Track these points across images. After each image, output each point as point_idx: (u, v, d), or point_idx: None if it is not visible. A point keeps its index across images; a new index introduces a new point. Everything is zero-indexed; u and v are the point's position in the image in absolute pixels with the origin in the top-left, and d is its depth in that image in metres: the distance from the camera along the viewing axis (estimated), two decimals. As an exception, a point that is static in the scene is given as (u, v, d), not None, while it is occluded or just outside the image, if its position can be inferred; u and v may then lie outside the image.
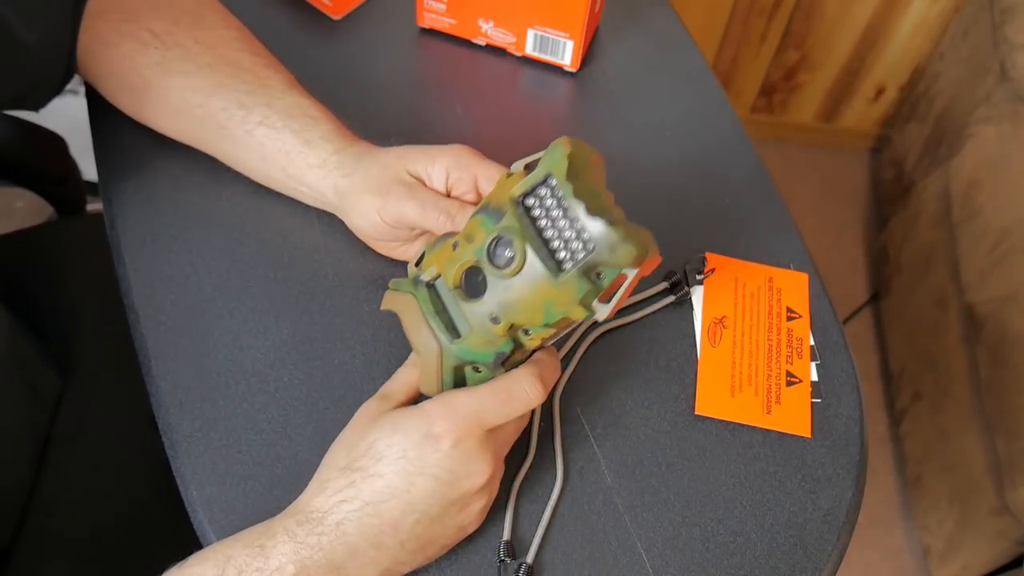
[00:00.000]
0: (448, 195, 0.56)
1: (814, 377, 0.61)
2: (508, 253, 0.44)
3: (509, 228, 0.44)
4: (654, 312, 0.62)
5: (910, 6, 1.57)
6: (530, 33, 0.74)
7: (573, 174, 0.44)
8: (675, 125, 0.73)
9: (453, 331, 0.47)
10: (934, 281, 1.41)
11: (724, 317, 0.63)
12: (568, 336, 0.60)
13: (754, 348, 0.61)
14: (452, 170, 0.55)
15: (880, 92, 1.76)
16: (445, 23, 0.76)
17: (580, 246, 0.43)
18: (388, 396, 0.49)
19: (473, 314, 0.46)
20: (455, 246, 0.47)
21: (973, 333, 1.26)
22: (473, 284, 0.46)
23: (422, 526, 0.46)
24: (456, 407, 0.45)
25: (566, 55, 0.74)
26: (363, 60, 0.75)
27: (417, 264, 0.51)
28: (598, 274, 0.44)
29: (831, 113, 1.82)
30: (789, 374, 0.60)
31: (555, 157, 0.44)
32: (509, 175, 0.47)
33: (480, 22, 0.75)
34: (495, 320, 0.45)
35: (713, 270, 0.64)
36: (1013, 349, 1.17)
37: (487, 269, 0.45)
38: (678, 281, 0.63)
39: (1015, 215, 1.23)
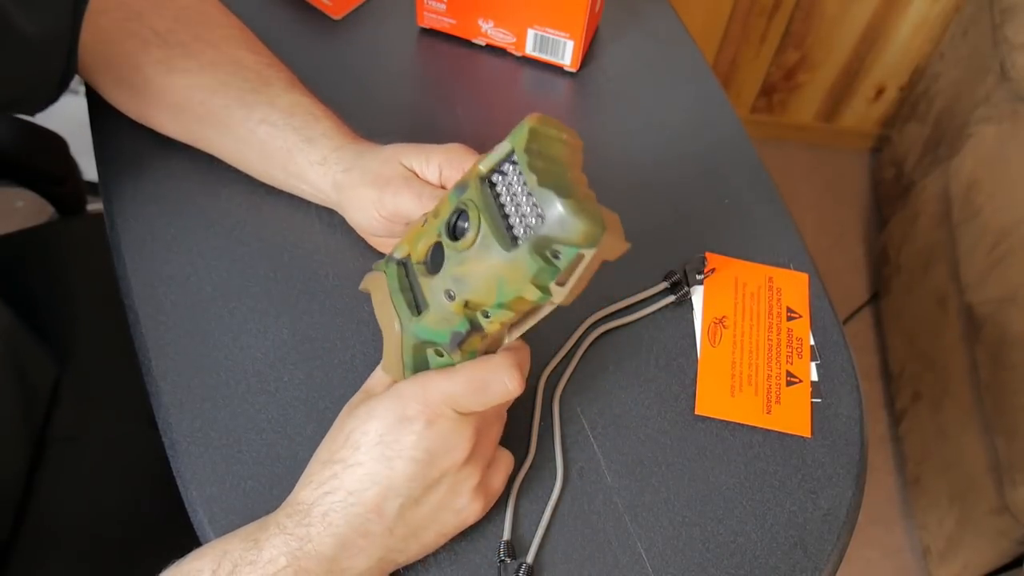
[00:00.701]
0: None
1: (814, 377, 0.61)
2: (466, 226, 0.43)
3: (467, 201, 0.43)
4: (654, 312, 0.62)
5: (910, 6, 1.57)
6: (530, 33, 0.74)
7: (534, 148, 0.42)
8: (675, 125, 0.73)
9: (415, 309, 0.47)
10: (934, 281, 1.41)
11: (724, 317, 0.63)
12: (568, 336, 0.60)
13: (754, 348, 0.61)
14: (444, 167, 0.55)
15: (880, 92, 1.76)
16: (445, 23, 0.76)
17: (535, 221, 0.41)
18: (369, 390, 0.49)
19: (432, 291, 0.45)
20: (426, 222, 0.47)
21: (973, 333, 1.26)
22: (438, 260, 0.45)
23: (407, 509, 0.46)
24: (428, 388, 0.46)
25: (566, 55, 0.74)
26: (363, 60, 0.75)
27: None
28: (555, 254, 0.41)
29: (831, 113, 1.82)
30: (789, 374, 0.61)
31: (519, 132, 0.43)
32: (482, 158, 0.47)
33: (480, 22, 0.75)
34: (450, 296, 0.44)
35: (713, 270, 0.64)
36: (1013, 349, 1.17)
37: (444, 242, 0.44)
38: (678, 281, 0.63)
39: (1015, 215, 1.23)
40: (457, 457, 0.46)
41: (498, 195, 0.43)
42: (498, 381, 0.46)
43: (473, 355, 0.47)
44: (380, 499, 0.45)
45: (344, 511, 0.45)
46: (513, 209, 0.42)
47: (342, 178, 0.58)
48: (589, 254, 0.41)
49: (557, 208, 0.40)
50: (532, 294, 0.42)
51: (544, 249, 0.41)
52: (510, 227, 0.42)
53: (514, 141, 0.43)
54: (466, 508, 0.49)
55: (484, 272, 0.43)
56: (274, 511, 0.47)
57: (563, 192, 0.40)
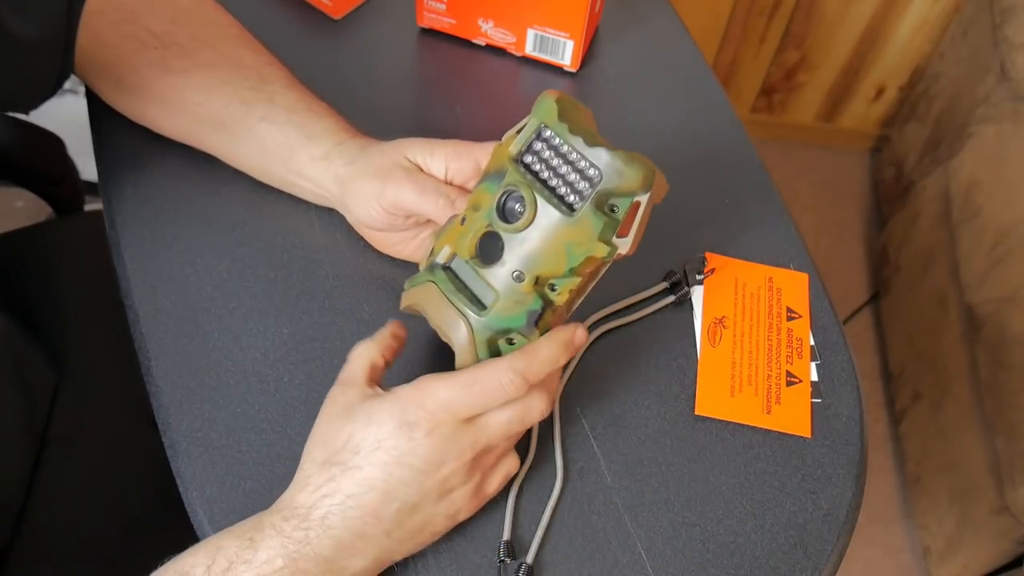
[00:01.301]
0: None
1: (814, 377, 0.61)
2: (519, 207, 0.45)
3: (514, 182, 0.45)
4: (654, 312, 0.62)
5: (910, 6, 1.57)
6: (530, 33, 0.74)
7: (565, 117, 0.45)
8: (675, 125, 0.73)
9: (479, 304, 0.47)
10: (934, 281, 1.41)
11: (724, 317, 0.63)
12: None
13: (754, 348, 0.61)
14: (451, 160, 0.55)
15: (880, 92, 1.76)
16: (445, 23, 0.76)
17: (587, 183, 0.44)
18: (351, 381, 0.49)
19: (496, 278, 0.46)
20: (463, 221, 0.48)
21: (973, 333, 1.26)
22: (490, 250, 0.46)
23: (404, 514, 0.46)
24: (429, 394, 0.45)
25: (566, 55, 0.74)
26: (363, 60, 0.75)
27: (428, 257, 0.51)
28: (612, 207, 0.45)
29: (831, 113, 1.82)
30: (789, 374, 0.60)
31: (544, 107, 0.46)
32: (501, 144, 0.48)
33: (480, 22, 0.75)
34: (519, 278, 0.46)
35: (713, 270, 0.64)
36: (1013, 349, 1.17)
37: (501, 228, 0.45)
38: (678, 281, 0.63)
39: (1015, 215, 1.23)
40: (455, 466, 0.46)
41: (536, 172, 0.46)
42: (495, 380, 0.45)
43: (546, 331, 0.48)
44: (378, 504, 0.45)
45: (342, 514, 0.45)
46: (559, 181, 0.45)
47: (344, 171, 0.58)
48: (644, 199, 0.45)
49: (614, 161, 0.43)
50: (601, 251, 0.45)
51: (603, 205, 0.44)
52: (560, 197, 0.45)
53: (541, 116, 0.46)
54: (460, 511, 0.49)
55: (551, 243, 0.45)
56: (268, 510, 0.47)
57: (611, 148, 0.44)
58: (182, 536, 0.53)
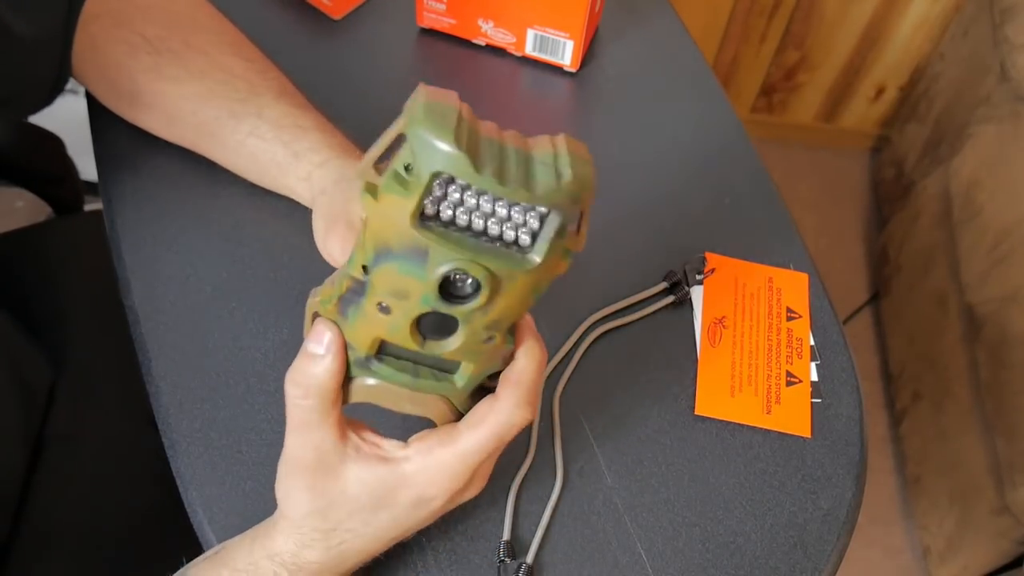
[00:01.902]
0: None
1: (814, 377, 0.61)
2: (469, 285, 0.36)
3: (450, 261, 0.35)
4: (654, 312, 0.62)
5: (910, 6, 1.57)
6: (530, 33, 0.74)
7: (473, 155, 0.33)
8: (675, 125, 0.73)
9: (445, 374, 0.41)
10: (934, 281, 1.41)
11: (724, 317, 0.63)
12: (568, 336, 0.60)
13: (754, 348, 0.61)
14: None
15: (880, 92, 1.76)
16: (445, 23, 0.76)
17: (535, 217, 0.35)
18: (323, 446, 0.41)
19: (459, 351, 0.39)
20: (383, 308, 0.37)
21: (973, 333, 1.26)
22: (435, 323, 0.39)
23: (398, 538, 0.45)
24: (445, 471, 0.41)
25: (566, 55, 0.74)
26: (363, 60, 0.75)
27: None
28: (565, 227, 0.36)
29: (831, 113, 1.82)
30: (789, 374, 0.60)
31: (434, 147, 0.33)
32: (370, 188, 0.35)
33: (480, 22, 0.75)
34: (490, 341, 0.39)
35: (713, 270, 0.64)
36: (1013, 349, 1.17)
37: (452, 311, 0.37)
38: (678, 281, 0.63)
39: (1015, 215, 1.23)
40: (449, 496, 0.43)
41: (453, 220, 0.35)
42: (511, 429, 0.41)
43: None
44: (380, 544, 0.44)
45: (349, 560, 0.44)
46: (495, 222, 0.35)
47: (316, 199, 0.58)
48: (590, 198, 0.37)
49: (565, 195, 0.35)
50: (563, 266, 0.38)
51: (561, 232, 0.36)
52: (506, 242, 0.35)
53: (439, 166, 0.33)
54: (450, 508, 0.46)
55: (519, 296, 0.37)
56: (260, 543, 0.44)
57: (550, 175, 0.34)
58: (182, 536, 0.53)
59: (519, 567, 0.51)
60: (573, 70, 0.75)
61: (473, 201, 0.35)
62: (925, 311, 1.43)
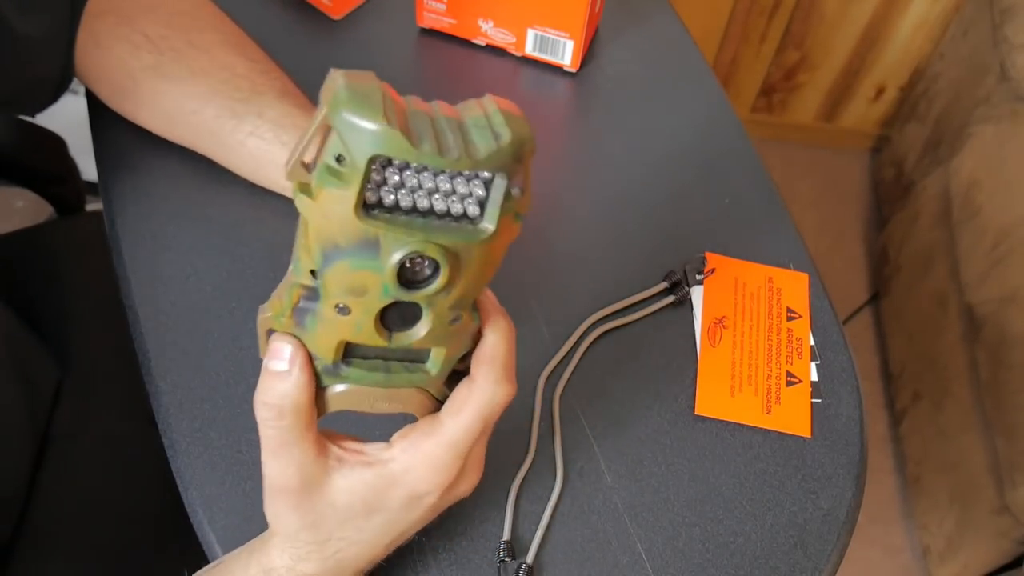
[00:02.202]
0: None
1: (814, 377, 0.61)
2: (427, 268, 0.35)
3: (404, 246, 0.33)
4: (654, 312, 0.62)
5: (910, 6, 1.58)
6: (530, 33, 0.74)
7: (406, 131, 0.32)
8: (675, 125, 0.73)
9: (417, 364, 0.40)
10: (934, 281, 1.41)
11: (724, 317, 0.63)
12: (568, 336, 0.60)
13: (754, 348, 0.61)
14: None
15: (880, 92, 1.76)
16: (445, 23, 0.76)
17: (482, 186, 0.34)
18: (304, 466, 0.40)
19: (427, 337, 0.38)
20: (341, 310, 0.36)
21: (973, 333, 1.26)
22: (400, 315, 0.37)
23: (396, 541, 0.44)
24: (434, 465, 0.40)
25: (566, 55, 0.74)
26: (363, 60, 0.75)
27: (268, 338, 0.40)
28: (511, 190, 0.35)
29: (831, 113, 1.82)
30: (789, 374, 0.60)
31: (363, 131, 0.31)
32: (303, 188, 0.33)
33: (480, 22, 0.75)
34: (457, 320, 0.38)
35: (713, 270, 0.64)
36: (1013, 349, 1.17)
37: (415, 297, 0.36)
38: (678, 281, 0.63)
39: (1015, 215, 1.23)
40: (459, 494, 0.44)
41: (398, 204, 0.33)
42: (496, 408, 0.41)
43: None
44: (379, 549, 0.44)
45: (346, 566, 0.43)
46: (440, 198, 0.34)
47: None
48: (531, 153, 0.35)
49: (508, 156, 0.33)
50: (516, 230, 0.36)
51: (508, 195, 0.35)
52: (456, 216, 0.34)
53: (373, 148, 0.31)
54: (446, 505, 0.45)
55: (478, 271, 0.36)
56: (256, 560, 0.44)
57: (487, 140, 0.33)
58: (182, 535, 0.53)
59: (519, 567, 0.51)
60: (573, 70, 0.75)
61: (414, 180, 0.33)
62: (925, 311, 1.43)
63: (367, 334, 0.37)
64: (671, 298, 0.63)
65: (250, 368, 0.57)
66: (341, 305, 0.36)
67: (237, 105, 0.60)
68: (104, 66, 0.62)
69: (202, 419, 0.55)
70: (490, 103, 0.34)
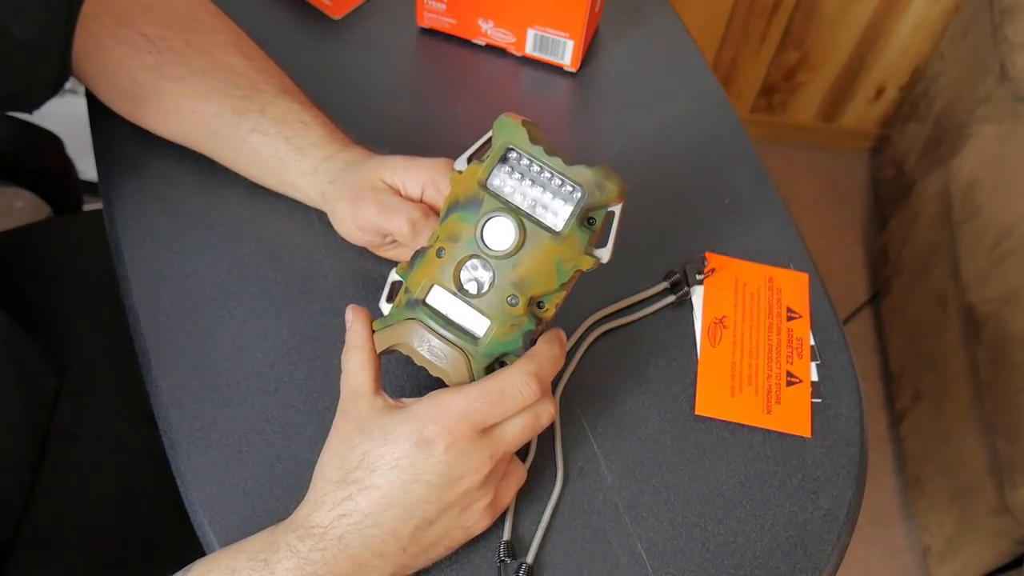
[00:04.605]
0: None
1: (814, 377, 0.61)
2: (504, 233, 0.46)
3: (497, 209, 0.46)
4: (654, 312, 0.62)
5: (910, 6, 1.57)
6: (530, 33, 0.74)
7: (536, 140, 0.46)
8: (675, 125, 0.73)
9: (469, 335, 0.47)
10: (934, 281, 1.41)
11: (724, 317, 0.63)
12: (568, 336, 0.60)
13: (754, 348, 0.61)
14: (427, 187, 0.55)
15: (880, 92, 1.76)
16: (445, 23, 0.76)
17: (564, 202, 0.46)
18: (358, 393, 0.47)
19: (488, 305, 0.46)
20: (439, 253, 0.47)
21: (973, 333, 1.26)
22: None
23: (422, 530, 0.46)
24: (445, 409, 0.45)
25: (566, 55, 0.74)
26: (363, 60, 0.75)
27: (389, 300, 0.50)
28: (590, 220, 0.46)
29: (831, 113, 1.82)
30: (789, 374, 0.60)
31: (508, 131, 0.47)
32: (461, 172, 0.48)
33: (480, 22, 0.75)
34: (513, 301, 0.46)
35: (713, 270, 0.64)
36: (1013, 349, 1.17)
37: (489, 256, 0.46)
38: (678, 281, 0.63)
39: (1015, 215, 1.23)
40: (473, 481, 0.46)
41: (507, 196, 0.47)
42: (513, 388, 0.45)
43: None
44: (397, 522, 0.45)
45: (360, 534, 0.44)
46: (532, 203, 0.46)
47: (328, 189, 0.58)
48: (618, 209, 0.47)
49: (595, 178, 0.45)
50: (588, 263, 0.47)
51: (584, 219, 0.46)
52: (537, 220, 0.46)
53: (508, 140, 0.47)
54: (476, 524, 0.48)
55: (541, 262, 0.46)
56: (280, 526, 0.46)
57: (588, 164, 0.45)
58: (183, 535, 0.53)
59: (519, 567, 0.51)
60: (573, 70, 0.75)
61: (526, 184, 0.46)
62: (925, 311, 1.43)
63: (448, 279, 0.47)
64: (671, 298, 0.63)
65: (250, 368, 0.57)
66: (441, 249, 0.47)
67: (237, 103, 0.60)
68: (104, 68, 0.62)
69: (202, 419, 0.55)
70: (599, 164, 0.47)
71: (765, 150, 0.72)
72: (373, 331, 0.49)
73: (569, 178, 0.45)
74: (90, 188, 0.85)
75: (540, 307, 0.48)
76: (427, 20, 0.76)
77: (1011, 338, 1.18)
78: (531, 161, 0.46)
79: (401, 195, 0.56)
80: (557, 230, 0.46)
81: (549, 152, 0.46)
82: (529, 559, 0.52)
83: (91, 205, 0.89)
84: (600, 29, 0.78)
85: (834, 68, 1.71)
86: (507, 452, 0.47)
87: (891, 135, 1.76)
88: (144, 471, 0.67)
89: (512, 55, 0.76)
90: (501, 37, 0.75)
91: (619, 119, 0.73)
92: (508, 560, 0.51)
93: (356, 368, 0.48)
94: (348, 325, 0.50)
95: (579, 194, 0.46)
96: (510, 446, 0.47)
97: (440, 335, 0.47)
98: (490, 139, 0.48)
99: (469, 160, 0.48)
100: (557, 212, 0.46)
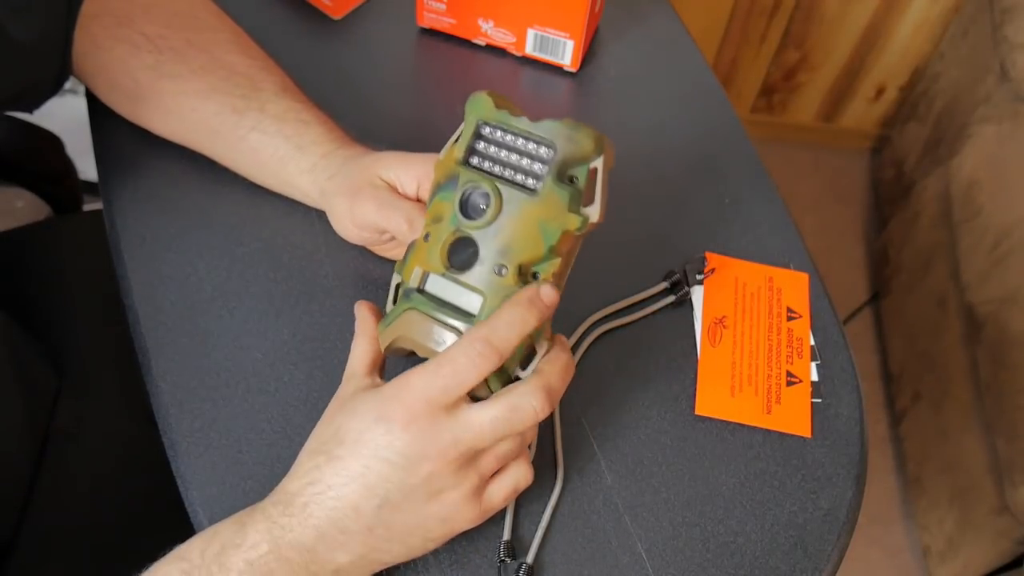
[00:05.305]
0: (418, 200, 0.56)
1: (814, 377, 0.61)
2: (482, 203, 0.45)
3: (470, 180, 0.45)
4: (654, 312, 0.62)
5: (910, 6, 1.57)
6: (530, 33, 0.74)
7: (503, 107, 0.46)
8: (675, 125, 0.73)
9: (465, 315, 0.46)
10: (934, 281, 1.41)
11: (724, 317, 0.63)
12: (568, 336, 0.60)
13: (754, 348, 0.61)
14: (422, 182, 0.56)
15: (880, 92, 1.76)
16: (445, 23, 0.76)
17: (541, 164, 0.45)
18: (351, 375, 0.49)
19: (478, 279, 0.45)
20: (426, 238, 0.47)
21: (973, 333, 1.26)
22: (463, 256, 0.46)
23: (387, 512, 0.44)
24: (404, 386, 0.44)
25: (566, 55, 0.74)
26: (363, 60, 0.75)
27: (395, 301, 0.49)
28: (571, 178, 0.45)
29: (831, 113, 1.82)
30: (789, 374, 0.60)
31: (478, 104, 0.47)
32: (442, 158, 0.48)
33: (480, 22, 0.75)
34: (501, 271, 0.45)
35: (713, 270, 0.64)
36: (1013, 349, 1.17)
37: (470, 228, 0.45)
38: (678, 281, 0.63)
39: (1015, 215, 1.23)
40: (438, 464, 0.44)
41: (487, 170, 0.46)
42: (463, 358, 0.43)
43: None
44: (358, 498, 0.44)
45: (322, 504, 0.44)
46: (511, 171, 0.46)
47: (326, 185, 0.59)
48: (600, 163, 0.46)
49: (563, 129, 0.44)
50: (573, 222, 0.45)
51: (564, 177, 0.45)
52: (520, 185, 0.45)
53: (478, 113, 0.47)
54: (455, 517, 0.46)
55: (524, 226, 0.45)
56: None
57: (552, 119, 0.45)
58: (183, 534, 0.53)
59: (519, 567, 0.51)
60: (573, 70, 0.75)
61: (502, 153, 0.46)
62: (925, 311, 1.43)
63: (436, 261, 0.46)
64: (671, 298, 0.63)
65: (250, 368, 0.57)
66: (427, 234, 0.47)
67: (237, 101, 0.60)
68: (104, 67, 0.62)
69: (202, 419, 0.55)
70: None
71: (765, 150, 0.72)
72: (380, 330, 0.49)
73: (537, 135, 0.45)
74: (90, 188, 0.85)
75: (535, 277, 0.46)
76: (427, 20, 0.76)
77: (1011, 338, 1.18)
78: (503, 131, 0.46)
79: (398, 192, 0.56)
80: (535, 189, 0.45)
81: (515, 114, 0.45)
82: (529, 559, 0.52)
83: (91, 205, 0.89)
84: (600, 29, 0.78)
85: (834, 68, 1.71)
86: (477, 442, 0.44)
87: (891, 135, 1.76)
88: (144, 471, 0.67)
89: (512, 55, 0.76)
90: (501, 37, 0.75)
91: (619, 119, 0.73)
92: (508, 560, 0.51)
93: (357, 354, 0.49)
94: (356, 316, 0.51)
95: (552, 151, 0.45)
96: (480, 436, 0.44)
97: (437, 319, 0.46)
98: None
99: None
100: (535, 174, 0.45)
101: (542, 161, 0.45)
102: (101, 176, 0.66)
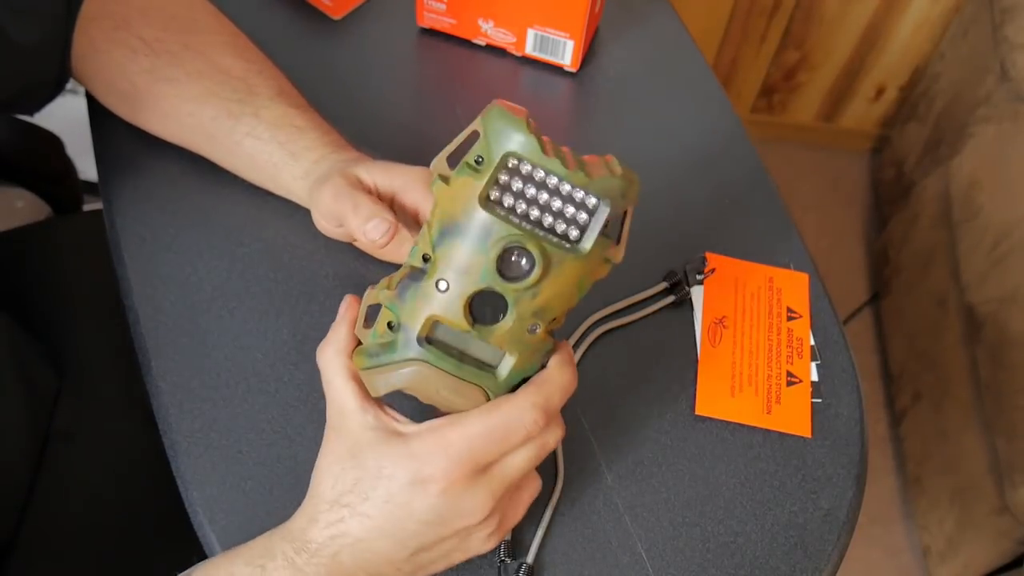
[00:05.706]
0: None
1: (814, 377, 0.61)
2: (525, 263, 0.40)
3: (509, 237, 0.39)
4: (654, 312, 0.62)
5: (910, 6, 1.57)
6: (530, 33, 0.74)
7: (541, 142, 0.39)
8: (675, 125, 0.73)
9: (486, 369, 0.43)
10: (934, 281, 1.41)
11: (724, 317, 0.63)
12: (568, 336, 0.60)
13: (754, 348, 0.61)
14: (397, 192, 0.56)
15: (880, 92, 1.76)
16: (445, 23, 0.76)
17: (586, 214, 0.40)
18: (344, 410, 0.44)
19: (507, 338, 0.41)
20: (441, 285, 0.41)
21: (973, 333, 1.26)
22: (486, 310, 0.41)
23: (417, 555, 0.44)
24: (446, 448, 0.41)
25: (566, 55, 0.74)
26: (363, 60, 0.75)
27: (367, 325, 0.45)
28: (609, 224, 0.41)
29: (831, 113, 1.82)
30: (789, 374, 0.60)
31: (507, 131, 0.39)
32: (442, 178, 0.40)
33: (480, 22, 0.75)
34: (534, 329, 0.41)
35: (713, 270, 0.64)
36: (1013, 349, 1.17)
37: (504, 288, 0.40)
38: (678, 281, 0.63)
39: (1015, 215, 1.23)
40: (471, 521, 0.43)
41: (520, 212, 0.40)
42: (519, 423, 0.42)
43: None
44: (391, 551, 0.43)
45: (354, 556, 0.43)
46: (549, 216, 0.40)
47: (313, 185, 0.59)
48: (631, 209, 0.42)
49: (619, 187, 0.40)
50: (605, 270, 0.42)
51: (605, 228, 0.41)
52: (559, 234, 0.40)
53: (509, 146, 0.39)
54: (479, 548, 0.46)
55: (565, 285, 0.41)
56: (277, 531, 0.45)
57: (610, 171, 0.40)
58: (183, 535, 0.53)
59: (519, 567, 0.51)
60: (573, 70, 0.75)
61: (532, 192, 0.39)
62: (925, 311, 1.43)
63: (456, 315, 0.41)
64: (671, 298, 0.63)
65: (250, 368, 0.57)
66: (442, 281, 0.41)
67: (233, 106, 0.60)
68: (102, 70, 0.62)
69: (202, 419, 0.55)
70: (611, 158, 0.41)
71: (765, 150, 0.72)
72: (363, 367, 0.44)
73: (589, 193, 0.39)
74: (90, 188, 0.85)
75: (554, 321, 0.43)
76: (427, 20, 0.76)
77: (1011, 338, 1.18)
78: (531, 167, 0.39)
79: (373, 193, 0.56)
80: (583, 249, 0.40)
81: (565, 163, 0.39)
82: (529, 559, 0.52)
83: (91, 205, 0.89)
84: (600, 29, 0.78)
85: (834, 68, 1.71)
86: (511, 485, 0.44)
87: (891, 135, 1.76)
88: (144, 471, 0.67)
89: (512, 55, 0.76)
90: (501, 37, 0.75)
91: (619, 119, 0.73)
92: (508, 560, 0.51)
93: (335, 377, 0.44)
94: (339, 317, 0.46)
95: (604, 205, 0.40)
96: (514, 480, 0.44)
97: (455, 376, 0.42)
98: (475, 133, 0.41)
99: (449, 159, 0.41)
100: (578, 225, 0.40)
101: (587, 211, 0.40)
102: (101, 176, 0.66)
